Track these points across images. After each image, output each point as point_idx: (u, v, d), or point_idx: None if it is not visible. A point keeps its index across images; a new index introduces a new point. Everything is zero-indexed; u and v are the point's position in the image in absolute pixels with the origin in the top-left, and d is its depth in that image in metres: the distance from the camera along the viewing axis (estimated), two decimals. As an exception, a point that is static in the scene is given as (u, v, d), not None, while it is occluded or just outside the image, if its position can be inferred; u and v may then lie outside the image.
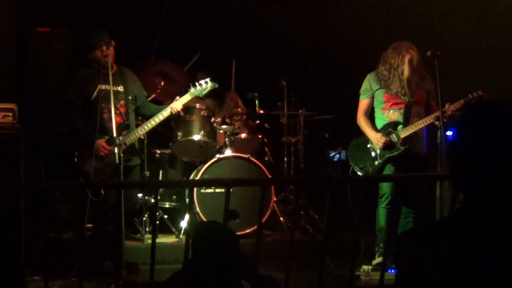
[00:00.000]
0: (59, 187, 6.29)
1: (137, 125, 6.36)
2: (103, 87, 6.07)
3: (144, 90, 6.60)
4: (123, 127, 6.09)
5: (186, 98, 6.39)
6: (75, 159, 6.13)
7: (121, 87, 6.24)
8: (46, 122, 7.38)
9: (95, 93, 6.10)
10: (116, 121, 5.87)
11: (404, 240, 1.85)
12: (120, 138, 5.85)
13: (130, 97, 6.29)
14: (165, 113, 6.26)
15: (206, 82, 6.49)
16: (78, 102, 6.15)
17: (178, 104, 6.32)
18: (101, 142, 6.02)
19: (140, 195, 6.93)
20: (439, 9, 8.11)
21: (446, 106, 5.89)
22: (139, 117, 6.62)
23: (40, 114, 7.38)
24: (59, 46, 7.56)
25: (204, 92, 6.53)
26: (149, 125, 6.22)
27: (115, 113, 5.91)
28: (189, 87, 6.49)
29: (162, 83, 7.47)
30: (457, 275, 1.71)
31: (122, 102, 6.21)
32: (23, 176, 5.82)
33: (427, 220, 5.92)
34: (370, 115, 6.24)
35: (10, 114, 6.01)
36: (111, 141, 5.88)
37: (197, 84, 6.48)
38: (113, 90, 5.95)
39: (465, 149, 1.81)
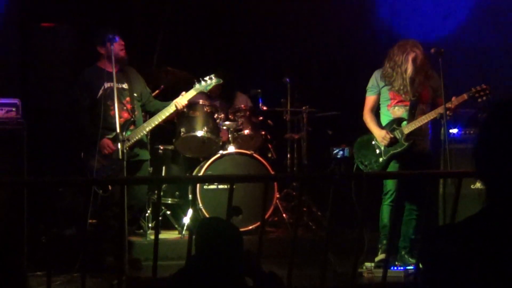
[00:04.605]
0: (62, 183, 6.29)
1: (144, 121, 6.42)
2: (108, 85, 6.13)
3: (148, 87, 6.65)
4: (130, 123, 6.15)
5: (191, 93, 6.45)
6: (82, 155, 6.16)
7: (126, 84, 6.29)
8: (49, 118, 7.38)
9: (100, 91, 6.15)
10: (124, 117, 6.02)
11: (431, 238, 1.82)
12: (128, 133, 5.93)
13: (135, 94, 6.35)
14: (170, 109, 6.33)
15: (211, 78, 6.54)
16: (84, 102, 6.21)
17: (183, 100, 6.39)
18: (107, 140, 6.05)
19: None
20: (443, 6, 8.10)
21: (453, 99, 5.88)
22: (142, 113, 6.64)
23: (43, 110, 7.39)
24: (62, 41, 7.57)
25: (209, 87, 6.61)
26: (155, 121, 6.28)
27: (122, 109, 6.04)
28: (194, 83, 6.53)
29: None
30: (483, 275, 1.68)
31: (127, 98, 6.27)
32: (26, 171, 5.82)
33: (430, 218, 5.91)
34: (376, 111, 6.23)
35: (14, 109, 6.01)
36: (115, 138, 5.91)
37: (201, 80, 6.53)
38: (118, 87, 6.01)
39: (491, 148, 1.77)
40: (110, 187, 5.93)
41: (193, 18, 8.97)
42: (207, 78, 6.54)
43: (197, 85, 6.50)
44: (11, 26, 7.18)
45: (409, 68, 5.95)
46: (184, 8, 8.90)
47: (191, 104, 6.99)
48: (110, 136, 6.07)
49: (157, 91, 7.30)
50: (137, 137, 6.14)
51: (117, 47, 6.10)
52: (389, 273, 5.01)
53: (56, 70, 7.50)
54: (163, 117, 6.30)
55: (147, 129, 6.26)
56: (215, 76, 6.57)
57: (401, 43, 6.06)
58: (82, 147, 6.21)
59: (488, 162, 1.77)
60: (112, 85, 5.97)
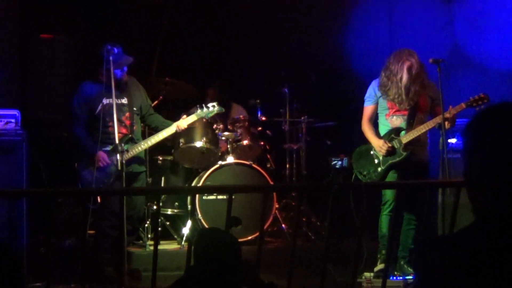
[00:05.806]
0: (62, 193, 6.30)
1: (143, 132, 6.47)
2: (107, 101, 6.17)
3: (149, 98, 6.68)
4: (128, 140, 6.19)
5: (192, 118, 6.61)
6: (75, 165, 6.20)
7: (125, 99, 6.33)
8: (48, 128, 7.39)
9: (99, 108, 6.19)
10: (122, 133, 6.10)
11: (426, 249, 1.82)
12: (126, 146, 6.00)
13: (134, 108, 6.38)
14: (169, 130, 6.45)
15: (214, 106, 6.73)
16: (81, 115, 6.26)
17: (183, 123, 6.50)
18: (102, 153, 6.09)
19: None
20: (442, 15, 8.12)
21: (450, 107, 5.88)
22: (142, 124, 6.68)
23: (42, 120, 7.40)
24: (61, 52, 7.58)
25: (210, 115, 6.80)
26: (153, 140, 6.40)
27: (121, 126, 6.12)
28: (196, 109, 6.71)
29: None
30: (477, 286, 1.68)
31: (127, 114, 6.32)
32: (26, 182, 5.83)
33: (429, 228, 5.91)
34: (375, 121, 6.24)
35: (13, 120, 6.02)
36: (114, 150, 5.95)
37: (204, 106, 6.70)
38: (117, 103, 6.04)
39: (479, 156, 1.77)
40: (99, 200, 5.98)
41: (192, 29, 8.99)
42: (209, 105, 6.73)
43: (199, 111, 6.68)
44: (10, 37, 7.19)
45: (404, 77, 5.95)
46: (182, 19, 8.93)
47: (190, 114, 7.02)
48: (108, 149, 6.11)
49: (156, 102, 7.33)
50: (135, 151, 6.19)
51: (120, 73, 6.15)
52: (388, 283, 5.01)
53: (55, 81, 7.51)
54: (161, 137, 6.43)
55: (144, 146, 6.35)
56: (217, 105, 6.74)
57: (397, 52, 6.07)
58: (76, 158, 6.24)
59: (476, 170, 1.77)
60: (111, 101, 6.02)
